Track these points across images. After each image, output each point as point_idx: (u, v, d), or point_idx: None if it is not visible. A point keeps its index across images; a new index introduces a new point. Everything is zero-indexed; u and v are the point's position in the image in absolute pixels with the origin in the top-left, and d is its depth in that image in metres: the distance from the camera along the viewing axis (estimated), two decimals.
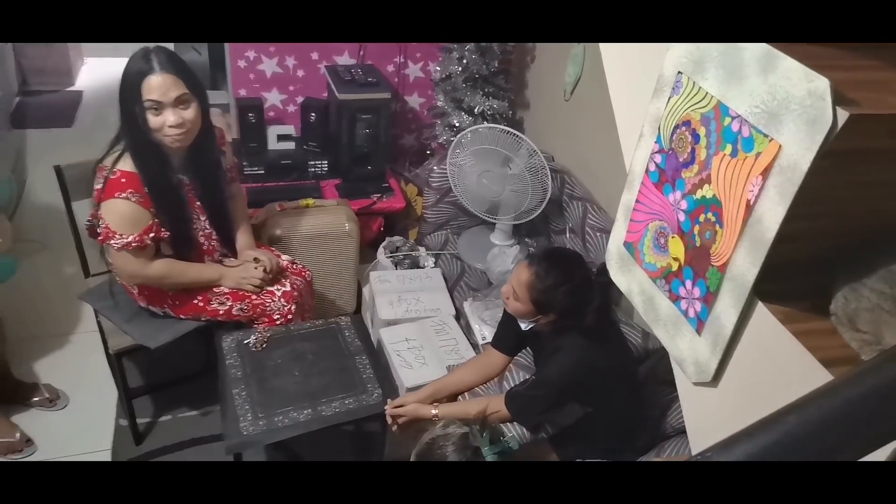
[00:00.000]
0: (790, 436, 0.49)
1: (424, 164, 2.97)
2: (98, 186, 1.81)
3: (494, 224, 2.70)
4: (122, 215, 1.79)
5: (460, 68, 2.74)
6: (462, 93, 2.79)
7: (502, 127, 2.44)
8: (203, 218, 2.00)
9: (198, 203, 1.98)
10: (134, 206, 1.79)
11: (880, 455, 0.63)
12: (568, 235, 2.57)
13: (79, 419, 2.29)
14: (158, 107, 1.73)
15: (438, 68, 2.88)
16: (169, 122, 1.75)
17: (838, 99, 0.70)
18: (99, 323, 2.13)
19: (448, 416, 1.68)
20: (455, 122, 2.81)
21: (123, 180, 1.77)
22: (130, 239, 1.80)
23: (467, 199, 2.59)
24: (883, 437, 0.49)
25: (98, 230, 1.84)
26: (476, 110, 2.78)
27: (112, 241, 1.81)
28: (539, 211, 2.52)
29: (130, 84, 1.72)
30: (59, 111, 4.02)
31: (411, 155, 3.27)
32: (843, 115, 0.69)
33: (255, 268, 2.03)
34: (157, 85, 1.71)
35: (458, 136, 2.52)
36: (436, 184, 2.74)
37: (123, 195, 1.77)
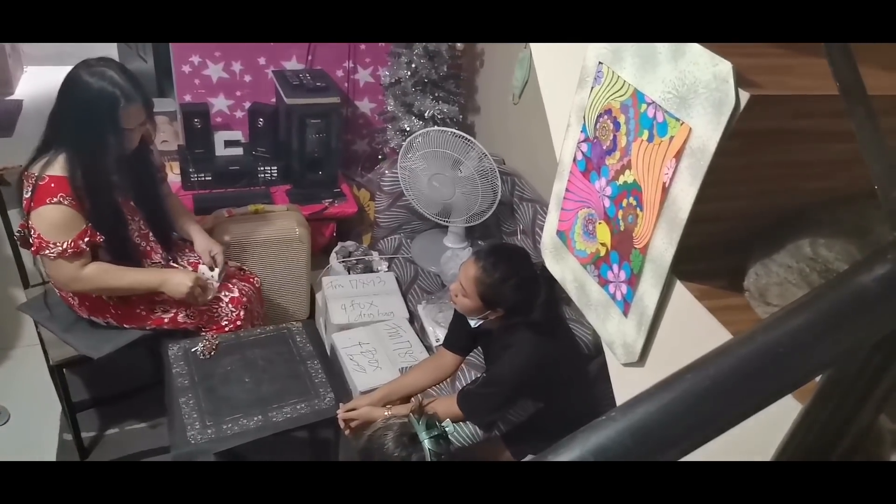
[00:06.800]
0: (687, 392, 0.51)
1: (376, 169, 2.98)
2: (27, 195, 1.76)
3: (447, 227, 2.72)
4: (54, 222, 1.75)
5: (409, 73, 2.76)
6: (412, 97, 2.81)
7: (453, 130, 2.47)
8: (138, 218, 1.97)
9: (131, 203, 1.95)
10: (66, 210, 1.75)
11: (766, 455, 0.67)
12: (519, 237, 2.60)
13: (21, 434, 2.22)
14: (127, 133, 1.79)
15: (388, 73, 2.89)
16: (129, 142, 1.81)
17: (741, 82, 0.73)
18: (40, 335, 2.07)
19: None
20: (406, 126, 2.82)
21: (53, 185, 1.73)
22: (65, 246, 1.76)
23: (419, 202, 2.60)
24: (772, 392, 0.52)
25: (30, 241, 1.79)
26: (426, 114, 2.80)
27: (46, 251, 1.76)
28: (490, 213, 2.55)
29: (102, 108, 1.72)
30: None
31: (363, 160, 3.27)
32: (744, 96, 0.72)
33: (207, 279, 2.00)
34: (133, 115, 1.77)
35: (409, 138, 2.54)
36: (388, 188, 2.75)
37: (55, 200, 1.73)
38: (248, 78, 2.90)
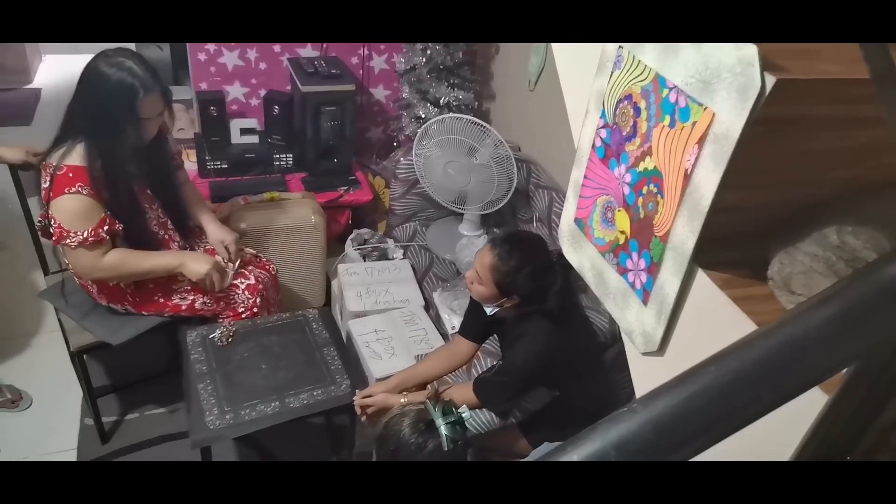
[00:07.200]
0: (709, 386, 0.50)
1: (391, 156, 2.97)
2: (45, 185, 1.77)
3: (462, 215, 2.71)
4: (74, 212, 1.76)
5: (424, 59, 2.74)
6: (427, 84, 2.79)
7: (468, 117, 2.45)
8: (155, 207, 1.99)
9: (148, 192, 1.96)
10: (85, 199, 1.76)
11: (785, 455, 0.66)
12: (535, 224, 2.59)
13: (43, 420, 2.25)
14: (145, 122, 1.80)
15: (403, 60, 2.88)
16: (147, 132, 1.83)
17: (767, 65, 0.71)
18: (60, 321, 2.10)
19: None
20: (421, 113, 2.81)
21: (71, 175, 1.75)
22: (86, 235, 1.78)
23: (434, 189, 2.59)
24: (797, 385, 0.51)
25: (50, 230, 1.81)
26: (442, 101, 2.78)
27: (67, 241, 1.78)
28: (505, 201, 2.53)
29: (121, 99, 1.73)
30: (17, 109, 3.93)
31: (378, 147, 3.26)
32: (770, 81, 0.70)
33: (226, 263, 2.02)
34: (151, 105, 1.78)
35: (424, 125, 2.52)
36: (403, 175, 2.74)
37: (73, 189, 1.74)
38: (263, 66, 2.90)
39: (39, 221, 1.90)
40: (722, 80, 0.75)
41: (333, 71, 2.73)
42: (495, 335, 1.99)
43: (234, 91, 2.92)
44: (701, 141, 0.78)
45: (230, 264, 2.05)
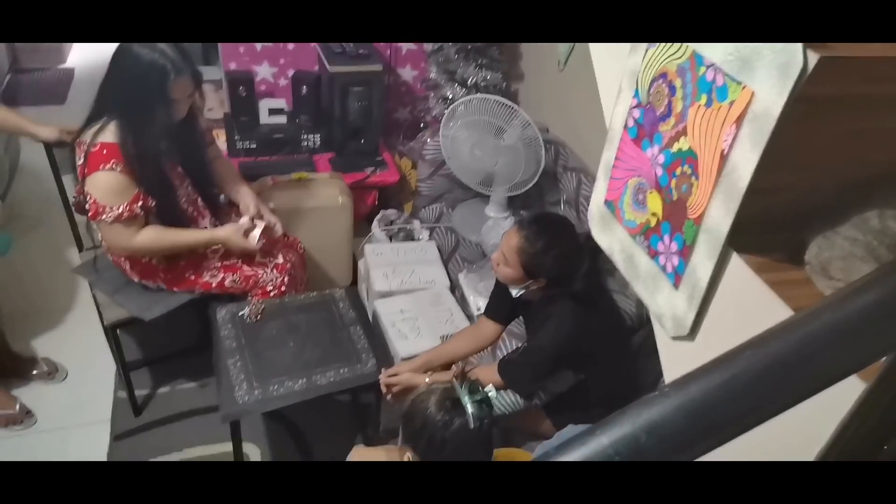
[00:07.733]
0: (745, 371, 0.49)
1: (418, 137, 2.96)
2: (80, 162, 1.80)
3: (489, 196, 2.70)
4: (108, 187, 1.79)
5: None
6: (455, 64, 2.77)
7: (496, 97, 2.42)
8: (185, 184, 2.01)
9: (179, 169, 1.98)
10: (119, 175, 1.78)
11: (819, 442, 0.64)
12: (563, 207, 2.56)
13: (78, 391, 2.32)
14: (175, 103, 1.82)
15: None
16: (177, 112, 1.84)
17: (809, 42, 0.69)
18: (94, 296, 2.14)
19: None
20: (448, 94, 2.78)
21: (104, 152, 1.77)
22: (121, 210, 1.80)
23: (460, 171, 2.57)
24: (836, 372, 0.49)
25: (86, 206, 1.84)
26: (469, 82, 2.75)
27: (103, 216, 1.81)
28: (533, 182, 2.51)
29: (152, 80, 1.74)
30: (51, 89, 4.00)
31: (405, 128, 3.25)
32: (813, 58, 0.68)
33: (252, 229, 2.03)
34: (182, 87, 1.79)
35: (452, 106, 2.50)
36: (429, 156, 2.73)
37: (108, 166, 1.77)
38: (291, 45, 2.90)
39: (75, 198, 1.94)
40: (762, 57, 0.72)
41: (361, 51, 2.72)
42: (521, 317, 1.99)
43: (263, 71, 2.93)
44: (739, 120, 0.76)
45: (258, 222, 2.06)
